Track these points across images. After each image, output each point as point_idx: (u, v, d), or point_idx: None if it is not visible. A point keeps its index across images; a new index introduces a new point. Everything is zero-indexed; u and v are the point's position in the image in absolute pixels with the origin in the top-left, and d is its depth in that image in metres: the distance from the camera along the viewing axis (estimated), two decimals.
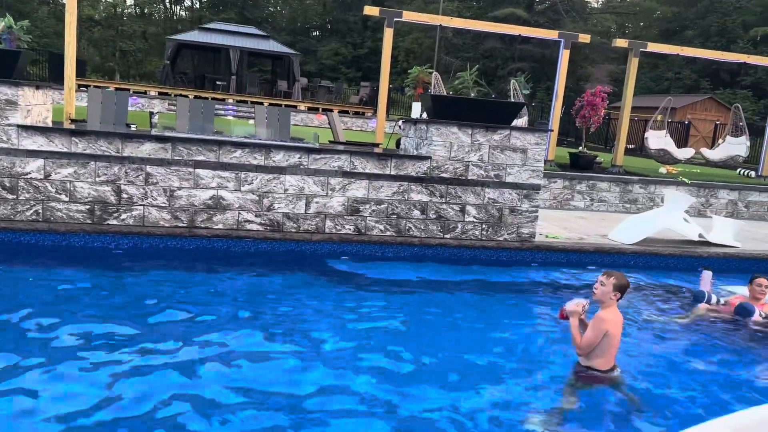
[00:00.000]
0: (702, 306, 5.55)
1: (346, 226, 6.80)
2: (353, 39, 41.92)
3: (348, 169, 6.72)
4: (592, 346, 3.68)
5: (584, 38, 11.87)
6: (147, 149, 6.18)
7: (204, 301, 4.99)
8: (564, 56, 11.43)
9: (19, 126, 5.83)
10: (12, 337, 3.94)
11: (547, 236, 7.57)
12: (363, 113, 24.06)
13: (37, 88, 6.52)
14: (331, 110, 21.81)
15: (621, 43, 11.95)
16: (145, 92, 22.14)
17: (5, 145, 5.82)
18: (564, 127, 14.36)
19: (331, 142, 9.40)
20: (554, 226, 8.37)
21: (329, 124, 10.48)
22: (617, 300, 3.70)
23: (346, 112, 23.81)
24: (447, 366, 4.07)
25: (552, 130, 11.21)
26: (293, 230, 6.66)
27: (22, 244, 5.84)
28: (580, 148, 12.88)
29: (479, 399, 3.63)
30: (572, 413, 3.56)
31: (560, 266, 7.09)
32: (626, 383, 3.84)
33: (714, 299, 5.52)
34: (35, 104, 6.36)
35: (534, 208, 7.28)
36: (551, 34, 12.55)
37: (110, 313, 4.49)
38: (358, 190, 6.76)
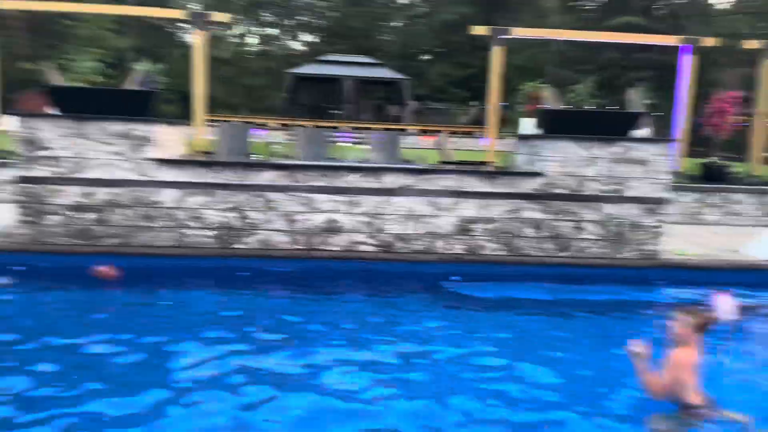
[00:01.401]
0: None
1: (457, 246, 6.77)
2: (462, 59, 41.99)
3: (457, 189, 6.70)
4: (667, 388, 3.38)
5: (709, 42, 11.08)
6: (267, 177, 6.55)
7: (328, 320, 5.15)
8: (688, 62, 10.72)
9: (154, 159, 6.42)
10: (157, 360, 4.28)
11: (674, 252, 7.06)
12: (472, 133, 23.95)
13: (170, 124, 7.16)
14: (441, 131, 21.92)
15: (751, 45, 11.01)
16: (266, 124, 23.54)
17: (143, 177, 6.42)
18: (694, 137, 13.44)
19: (441, 162, 9.43)
20: (683, 242, 7.78)
21: (439, 145, 10.54)
22: (696, 337, 3.40)
23: (456, 132, 23.82)
24: (574, 390, 3.90)
25: (678, 140, 10.51)
26: (404, 251, 6.73)
27: (160, 267, 6.38)
28: (712, 158, 11.94)
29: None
30: None
31: (689, 285, 6.56)
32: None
33: None
34: (169, 139, 6.97)
35: (658, 223, 6.83)
36: (673, 40, 11.84)
37: (247, 334, 4.72)
38: (468, 209, 6.71)
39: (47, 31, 34.90)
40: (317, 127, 20.28)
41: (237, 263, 6.51)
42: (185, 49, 42.81)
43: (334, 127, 23.19)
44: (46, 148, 6.25)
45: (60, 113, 6.40)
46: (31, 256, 6.25)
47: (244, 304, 5.55)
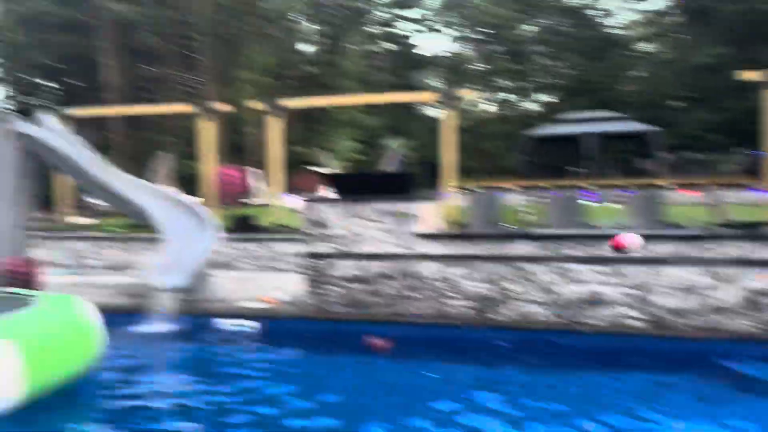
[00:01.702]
0: None
1: (744, 323, 5.90)
2: (720, 103, 37.77)
3: (743, 257, 5.91)
4: None
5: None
6: (523, 247, 6.56)
7: (608, 401, 4.88)
8: None
9: (416, 234, 6.88)
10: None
11: None
12: (741, 184, 21.06)
13: (428, 200, 7.65)
14: (706, 184, 19.72)
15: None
16: (507, 187, 23.78)
17: (407, 251, 6.91)
18: None
19: (717, 225, 8.44)
20: None
21: (707, 201, 9.49)
22: None
23: (723, 184, 21.19)
24: None
25: None
26: (679, 327, 6.08)
27: (424, 336, 6.71)
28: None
29: None
30: None
31: None
32: None
33: None
34: (427, 213, 7.44)
35: None
36: None
37: (526, 413, 4.70)
38: (759, 280, 5.85)
39: (314, 118, 40.39)
40: (561, 187, 19.83)
41: (496, 334, 6.55)
42: (429, 122, 45.89)
43: (581, 187, 22.45)
44: (328, 227, 7.13)
45: (337, 196, 7.30)
46: (316, 322, 7.08)
47: (506, 377, 5.52)
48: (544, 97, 49.11)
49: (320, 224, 7.18)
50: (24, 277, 7.36)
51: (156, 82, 44.27)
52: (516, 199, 22.55)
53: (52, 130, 8.74)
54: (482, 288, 6.68)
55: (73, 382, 4.66)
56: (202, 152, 12.45)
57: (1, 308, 4.50)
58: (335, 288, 7.13)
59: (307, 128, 42.70)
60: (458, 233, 7.08)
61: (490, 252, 6.65)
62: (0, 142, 8.22)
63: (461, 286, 6.75)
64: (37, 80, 47.36)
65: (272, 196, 13.35)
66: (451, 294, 6.78)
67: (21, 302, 4.74)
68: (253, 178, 22.53)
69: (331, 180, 7.68)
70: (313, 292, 7.22)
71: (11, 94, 48.93)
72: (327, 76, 42.56)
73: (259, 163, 34.22)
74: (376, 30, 46.01)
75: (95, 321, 4.96)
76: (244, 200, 21.21)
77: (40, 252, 10.53)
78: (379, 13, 45.92)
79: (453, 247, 6.79)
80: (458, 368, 5.94)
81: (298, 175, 34.54)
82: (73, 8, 41.59)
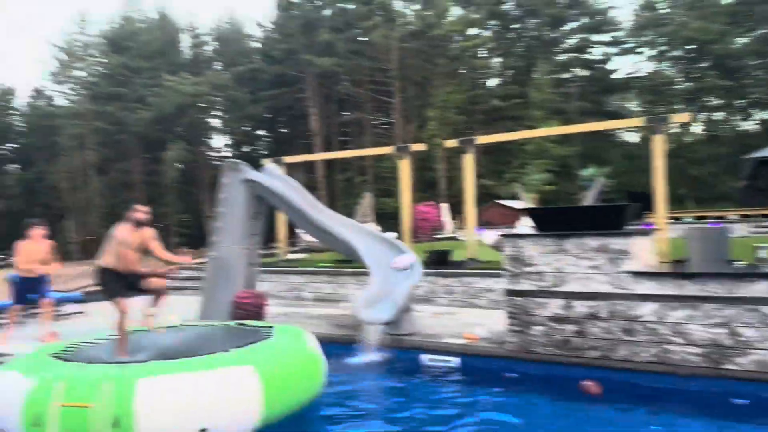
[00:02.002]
0: None
1: None
2: None
3: None
4: None
5: None
6: (761, 288, 5.75)
7: None
8: None
9: (631, 272, 6.39)
10: None
11: None
12: None
13: (640, 234, 7.08)
14: None
15: None
16: (722, 216, 21.25)
17: (621, 291, 6.43)
18: None
19: None
20: None
21: None
22: None
23: None
24: None
25: None
26: None
27: (640, 385, 6.15)
28: None
29: None
30: None
31: None
32: None
33: None
34: (640, 249, 6.89)
35: None
36: None
37: None
38: None
39: (503, 150, 40.11)
40: None
41: (729, 386, 5.77)
42: (625, 148, 43.10)
43: None
44: (531, 264, 6.95)
45: (535, 231, 7.10)
46: (519, 363, 6.88)
47: None
48: (763, 114, 43.49)
49: (521, 260, 7.02)
50: (255, 310, 8.25)
51: (354, 126, 47.75)
52: (739, 230, 20.04)
53: (273, 176, 9.81)
54: (712, 333, 5.96)
55: (301, 410, 5.04)
56: (400, 190, 13.01)
57: (243, 339, 5.06)
58: (538, 327, 6.88)
59: (494, 161, 42.62)
60: (679, 272, 6.43)
61: (717, 292, 5.93)
62: (234, 187, 9.42)
63: (685, 330, 6.09)
64: (249, 129, 53.76)
65: (466, 230, 13.45)
66: (672, 338, 6.14)
67: (259, 334, 5.29)
68: (445, 213, 23.00)
69: (530, 214, 7.50)
70: (515, 330, 7.05)
71: (229, 143, 56.10)
72: (514, 108, 42.28)
73: (448, 198, 34.91)
74: (565, 57, 44.83)
75: (319, 351, 5.36)
76: (438, 235, 21.70)
77: (263, 285, 11.75)
78: (568, 41, 44.74)
79: (671, 286, 6.18)
80: (683, 422, 5.33)
81: (489, 209, 34.53)
82: (281, 65, 46.81)
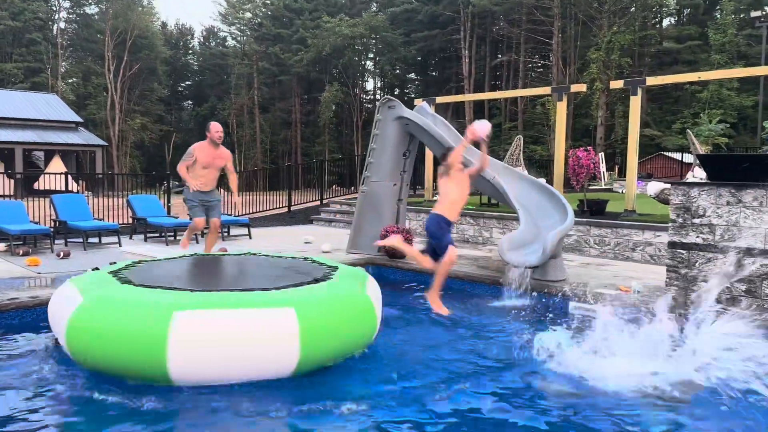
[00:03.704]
0: None
1: None
2: None
3: None
4: None
5: None
6: None
7: None
8: None
9: None
10: None
11: None
12: None
13: None
14: None
15: None
16: None
17: None
18: None
19: None
20: None
21: None
22: None
23: None
24: None
25: None
26: None
27: None
28: None
29: None
30: None
31: None
32: None
33: None
34: None
35: None
36: None
37: None
38: None
39: (671, 98, 36.65)
40: None
41: None
42: None
43: None
44: (701, 216, 6.36)
45: (708, 180, 6.44)
46: None
47: None
48: None
49: (690, 211, 6.45)
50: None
51: (507, 69, 46.11)
52: None
53: (425, 114, 9.82)
54: None
55: (352, 355, 4.77)
56: (554, 135, 12.43)
57: (296, 278, 4.86)
58: (701, 283, 6.34)
59: (661, 109, 39.08)
60: None
61: None
62: (387, 124, 9.59)
63: None
64: (400, 72, 53.92)
65: (625, 181, 12.60)
66: None
67: (316, 274, 5.07)
68: (601, 162, 21.66)
69: (705, 161, 6.80)
70: (674, 285, 6.57)
71: (379, 85, 56.92)
72: (689, 51, 38.14)
73: (604, 148, 32.78)
74: None
75: (377, 298, 5.06)
76: (593, 186, 20.59)
77: (410, 223, 12.01)
78: None
79: None
80: None
81: (652, 160, 31.95)
82: (437, 4, 46.01)
